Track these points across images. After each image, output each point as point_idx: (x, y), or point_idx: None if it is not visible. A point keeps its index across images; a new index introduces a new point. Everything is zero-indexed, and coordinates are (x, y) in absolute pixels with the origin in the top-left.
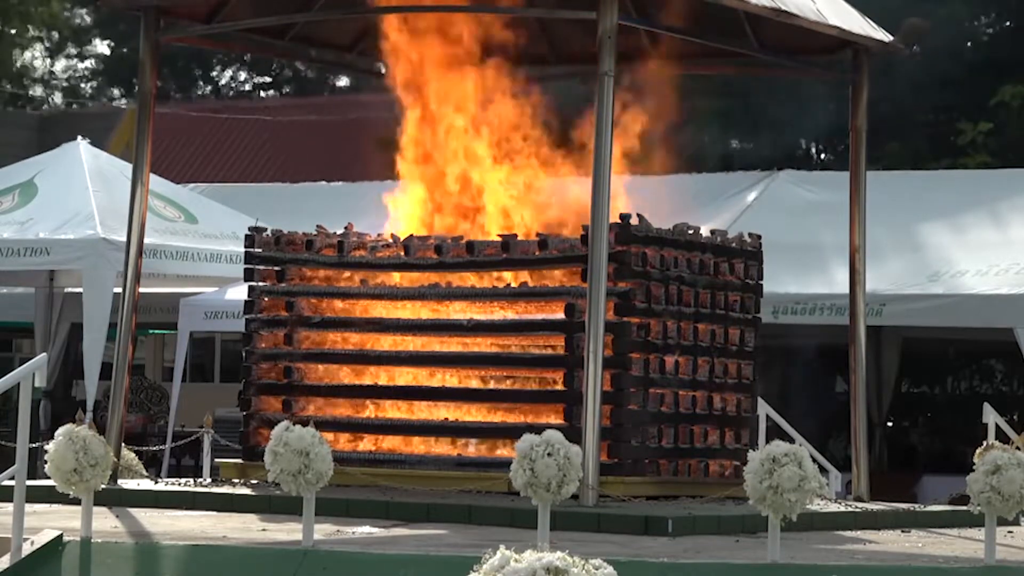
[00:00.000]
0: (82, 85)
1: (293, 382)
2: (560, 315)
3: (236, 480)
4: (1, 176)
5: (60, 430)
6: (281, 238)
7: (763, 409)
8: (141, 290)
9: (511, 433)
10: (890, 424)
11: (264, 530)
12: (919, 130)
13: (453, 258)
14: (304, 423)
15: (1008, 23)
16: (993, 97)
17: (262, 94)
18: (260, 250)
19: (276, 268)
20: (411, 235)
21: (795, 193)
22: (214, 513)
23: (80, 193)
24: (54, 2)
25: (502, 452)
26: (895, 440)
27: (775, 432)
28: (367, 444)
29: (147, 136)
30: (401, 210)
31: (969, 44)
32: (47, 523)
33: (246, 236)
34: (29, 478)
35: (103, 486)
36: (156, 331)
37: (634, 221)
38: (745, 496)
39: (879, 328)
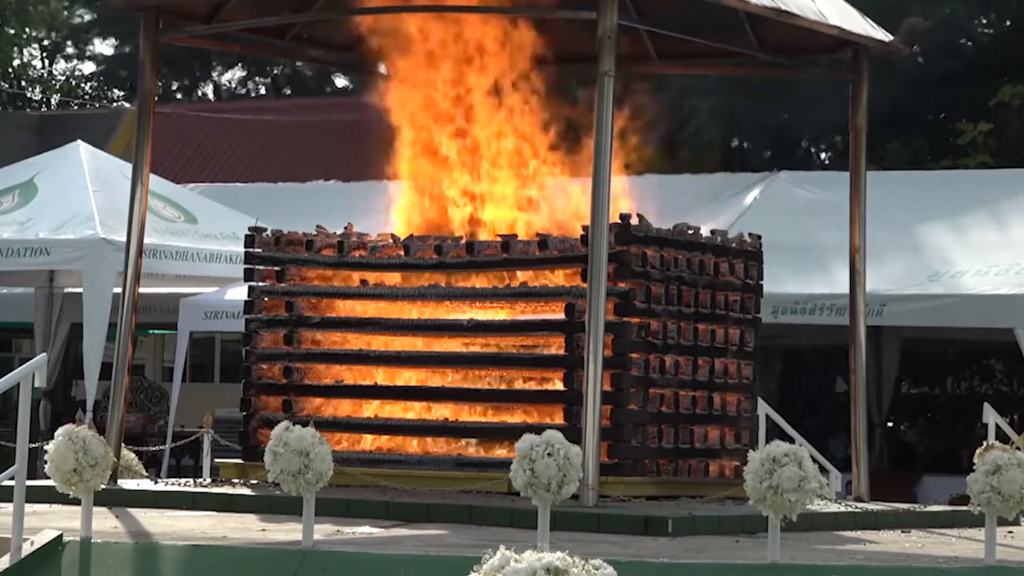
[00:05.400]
0: (82, 85)
1: (293, 382)
2: (560, 315)
3: (236, 480)
4: (1, 176)
5: (60, 430)
6: (281, 238)
7: (763, 409)
8: (141, 290)
9: (511, 433)
10: (890, 424)
11: (264, 530)
12: (919, 130)
13: (453, 258)
14: (304, 423)
15: (1008, 23)
16: (993, 97)
17: (262, 91)
18: (260, 250)
19: (276, 268)
20: (411, 235)
21: (795, 193)
22: (214, 513)
23: (80, 193)
24: (53, 2)
25: (502, 452)
26: (895, 440)
27: (775, 432)
28: (367, 444)
29: (147, 136)
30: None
31: (969, 44)
32: (47, 523)
33: (246, 236)
34: (29, 478)
35: (103, 486)
36: (156, 331)
37: (634, 221)
38: (745, 496)
39: (879, 328)
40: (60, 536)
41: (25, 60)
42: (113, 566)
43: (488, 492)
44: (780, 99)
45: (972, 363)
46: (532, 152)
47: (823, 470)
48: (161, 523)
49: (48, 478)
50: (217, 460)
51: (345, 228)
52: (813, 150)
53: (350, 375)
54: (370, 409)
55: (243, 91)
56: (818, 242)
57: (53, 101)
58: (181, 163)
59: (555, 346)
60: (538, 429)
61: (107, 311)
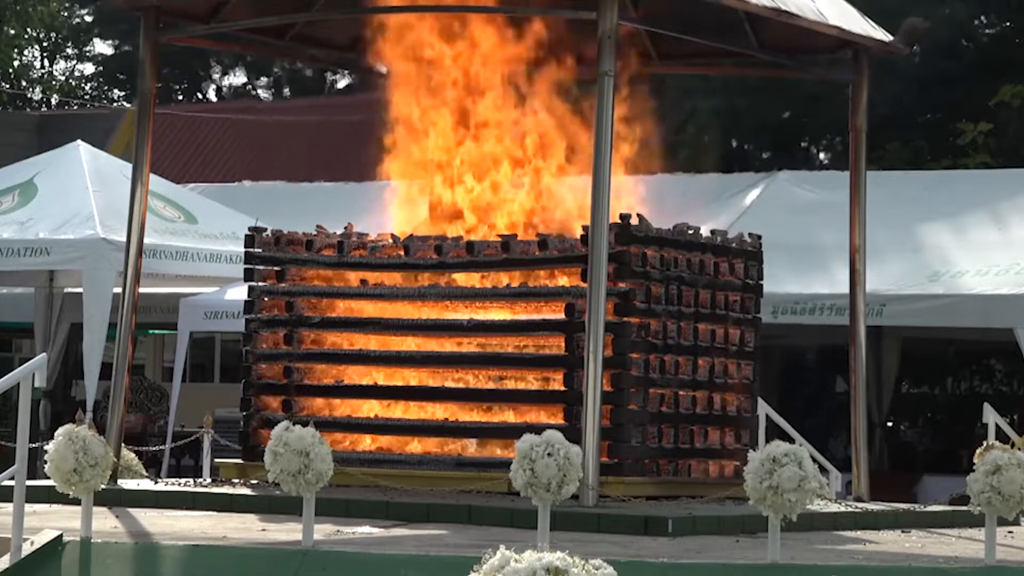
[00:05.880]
0: (82, 85)
1: (293, 382)
2: (560, 315)
3: (236, 480)
4: (1, 176)
5: (60, 430)
6: (281, 238)
7: (763, 409)
8: (141, 290)
9: (511, 433)
10: (890, 424)
11: (264, 530)
12: (919, 130)
13: (453, 258)
14: (304, 423)
15: (1008, 23)
16: (993, 97)
17: (262, 93)
18: (260, 250)
19: (276, 268)
20: (411, 235)
21: (795, 193)
22: (214, 513)
23: (80, 193)
24: (53, 2)
25: (502, 452)
26: (895, 440)
27: (775, 432)
28: (367, 444)
29: (147, 136)
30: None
31: (969, 44)
32: (47, 523)
33: (246, 236)
34: (29, 478)
35: (103, 486)
36: (156, 331)
37: (634, 221)
38: (745, 496)
39: (879, 328)
40: (60, 536)
41: (25, 61)
42: (113, 566)
43: (488, 492)
44: (780, 99)
45: (972, 363)
46: (535, 150)
47: (823, 470)
48: (161, 523)
49: (48, 478)
50: (217, 460)
51: (345, 228)
52: (813, 150)
53: (350, 375)
54: (370, 409)
55: (244, 92)
56: (818, 242)
57: (53, 101)
58: (181, 163)
59: (555, 346)
60: (538, 429)
61: (107, 311)
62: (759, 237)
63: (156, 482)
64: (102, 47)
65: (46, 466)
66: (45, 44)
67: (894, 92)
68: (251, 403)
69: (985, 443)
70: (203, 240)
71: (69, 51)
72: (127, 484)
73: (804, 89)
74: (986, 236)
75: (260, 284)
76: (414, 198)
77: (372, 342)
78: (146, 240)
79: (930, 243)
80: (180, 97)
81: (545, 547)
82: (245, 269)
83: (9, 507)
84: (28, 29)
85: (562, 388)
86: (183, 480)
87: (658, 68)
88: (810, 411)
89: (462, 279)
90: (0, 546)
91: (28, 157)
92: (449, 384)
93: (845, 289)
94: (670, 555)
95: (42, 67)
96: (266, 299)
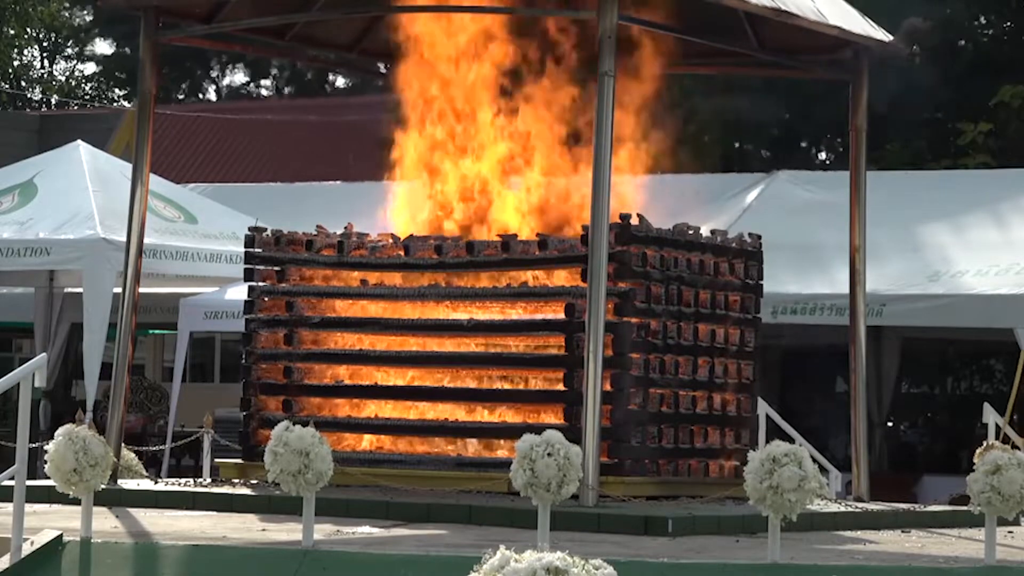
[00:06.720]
0: (82, 85)
1: (293, 382)
2: (560, 315)
3: (236, 480)
4: (1, 176)
5: (60, 430)
6: (281, 238)
7: (763, 409)
8: (141, 290)
9: (511, 433)
10: (890, 424)
11: (264, 530)
12: (919, 130)
13: (453, 258)
14: (304, 423)
15: (1008, 23)
16: (993, 97)
17: (263, 93)
18: (260, 250)
19: (276, 268)
20: (411, 235)
21: (795, 193)
22: (214, 513)
23: (80, 193)
24: (53, 2)
25: (502, 452)
26: (895, 440)
27: (775, 432)
28: (367, 444)
29: (147, 136)
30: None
31: (969, 44)
32: (47, 523)
33: (246, 236)
34: (29, 478)
35: (103, 486)
36: (156, 331)
37: (634, 221)
38: (745, 496)
39: (879, 328)
40: (60, 536)
41: (25, 60)
42: (113, 566)
43: (488, 492)
44: (780, 99)
45: (972, 363)
46: (538, 150)
47: (823, 470)
48: (161, 523)
49: (48, 478)
50: (217, 460)
51: (345, 228)
52: (813, 150)
53: (350, 375)
54: (370, 409)
55: (244, 92)
56: (818, 242)
57: (53, 101)
58: (181, 163)
59: (555, 346)
60: (538, 429)
61: (107, 311)
62: (759, 237)
63: (156, 482)
64: (102, 47)
65: (46, 466)
66: (45, 44)
67: (894, 92)
68: (251, 403)
69: (985, 443)
70: (203, 240)
71: (69, 51)
72: (127, 484)
73: (804, 89)
74: (986, 236)
75: (260, 284)
76: (414, 198)
77: (372, 342)
78: (146, 240)
79: (930, 243)
80: (180, 97)
81: (545, 547)
82: (245, 269)
83: (9, 507)
84: (28, 29)
85: (562, 388)
86: (183, 480)
87: (658, 68)
88: (810, 411)
89: (462, 279)
90: (0, 546)
91: (28, 157)
92: (449, 384)
93: (845, 289)
94: (670, 555)
95: (42, 67)
96: (266, 299)
